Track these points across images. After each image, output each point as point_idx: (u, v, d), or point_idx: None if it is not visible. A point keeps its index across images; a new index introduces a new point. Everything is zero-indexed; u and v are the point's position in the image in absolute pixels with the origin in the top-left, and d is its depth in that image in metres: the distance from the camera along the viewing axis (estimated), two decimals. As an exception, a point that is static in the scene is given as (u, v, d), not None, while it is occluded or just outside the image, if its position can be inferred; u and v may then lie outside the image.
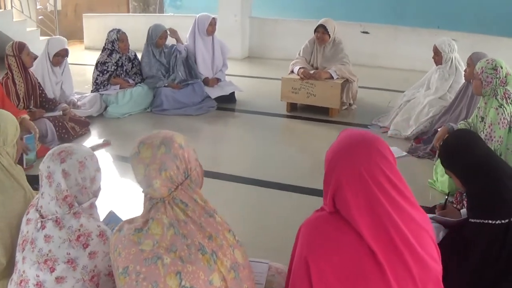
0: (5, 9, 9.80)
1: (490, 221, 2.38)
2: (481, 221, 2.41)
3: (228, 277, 1.81)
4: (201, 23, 6.60)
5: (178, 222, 1.81)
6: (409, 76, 7.53)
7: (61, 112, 5.43)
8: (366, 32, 9.07)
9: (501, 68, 4.03)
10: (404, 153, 4.93)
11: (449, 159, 2.63)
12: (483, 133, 4.09)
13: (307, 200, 4.05)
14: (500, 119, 3.98)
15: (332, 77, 6.04)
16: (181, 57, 6.55)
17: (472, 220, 2.45)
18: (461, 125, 4.42)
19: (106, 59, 6.27)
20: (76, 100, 6.10)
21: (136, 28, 8.50)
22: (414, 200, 1.83)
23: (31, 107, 5.31)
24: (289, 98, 6.22)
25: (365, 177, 1.72)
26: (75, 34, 11.88)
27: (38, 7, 10.58)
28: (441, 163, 2.68)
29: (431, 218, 2.78)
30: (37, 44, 9.84)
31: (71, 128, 5.44)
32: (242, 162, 4.98)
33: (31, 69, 5.48)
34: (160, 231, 1.79)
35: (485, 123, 4.12)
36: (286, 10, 10.59)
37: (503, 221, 2.36)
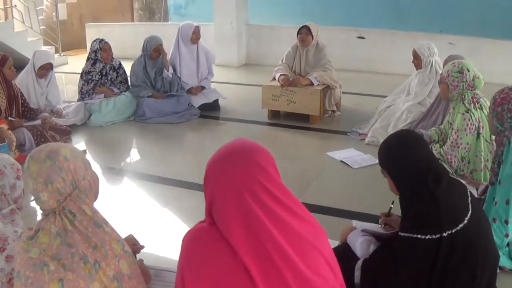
0: (6, 20, 9.95)
1: (419, 236, 2.19)
2: (410, 235, 2.21)
3: (110, 286, 1.84)
4: (184, 32, 6.59)
5: (65, 232, 1.86)
6: (405, 81, 7.38)
7: (40, 121, 5.48)
8: (362, 37, 8.96)
9: (468, 71, 3.89)
10: (377, 161, 4.77)
11: (385, 158, 2.45)
12: (450, 139, 3.98)
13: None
14: (467, 124, 3.86)
15: (312, 84, 5.96)
16: (167, 81, 6.53)
17: (402, 234, 2.26)
18: (432, 131, 4.31)
19: (90, 68, 6.32)
20: (61, 109, 6.14)
21: (138, 36, 8.49)
22: (303, 213, 1.75)
23: (11, 116, 5.37)
24: (269, 106, 6.15)
25: (241, 189, 1.65)
26: (81, 43, 12.06)
27: (40, 17, 10.69)
28: (378, 161, 2.53)
29: (362, 231, 2.68)
30: (39, 54, 9.99)
31: (50, 136, 5.48)
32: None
33: (17, 79, 5.60)
34: (47, 240, 1.85)
35: (452, 129, 4.00)
36: (284, 16, 10.53)
37: (433, 236, 2.17)
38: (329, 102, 6.13)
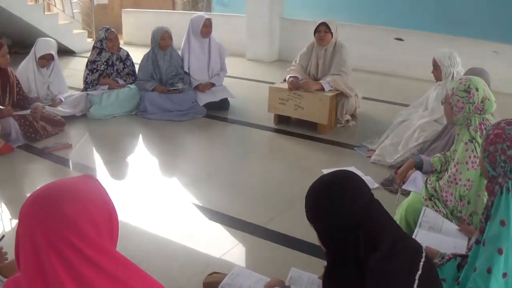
0: (36, 2, 9.84)
1: None
2: None
3: None
4: (195, 24, 6.14)
5: None
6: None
7: (29, 111, 5.27)
8: (400, 39, 8.26)
9: (477, 90, 3.06)
10: (376, 185, 4.17)
11: (308, 209, 1.84)
12: (448, 173, 3.30)
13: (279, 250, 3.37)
14: (469, 157, 3.06)
15: (323, 89, 5.37)
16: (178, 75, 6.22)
17: None
18: (435, 159, 3.62)
19: (95, 57, 6.04)
20: (60, 99, 5.90)
21: (174, 25, 8.17)
22: (126, 277, 1.36)
23: (3, 105, 5.17)
24: (276, 110, 5.62)
25: (43, 246, 1.29)
26: (120, 29, 11.84)
27: (74, 0, 10.54)
28: (305, 212, 1.89)
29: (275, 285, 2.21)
30: (69, 37, 9.88)
31: (41, 127, 5.31)
32: (206, 187, 4.31)
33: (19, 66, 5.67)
34: None
35: (453, 159, 3.32)
36: (322, 12, 9.89)
37: None
38: (340, 112, 5.55)
